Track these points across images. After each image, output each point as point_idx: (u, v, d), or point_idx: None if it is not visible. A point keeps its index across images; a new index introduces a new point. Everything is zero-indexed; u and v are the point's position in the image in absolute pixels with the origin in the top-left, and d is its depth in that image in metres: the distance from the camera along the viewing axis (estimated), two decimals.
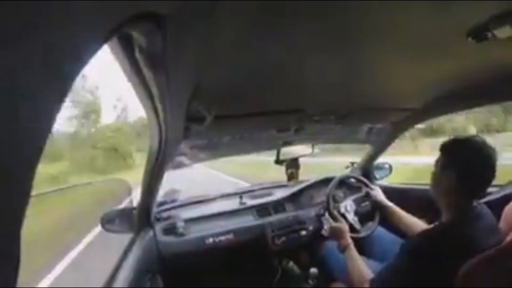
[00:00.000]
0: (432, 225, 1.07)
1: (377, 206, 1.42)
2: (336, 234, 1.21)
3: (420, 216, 1.23)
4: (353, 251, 1.10)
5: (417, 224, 1.20)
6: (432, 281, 0.73)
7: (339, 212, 1.43)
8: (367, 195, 1.48)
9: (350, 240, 1.14)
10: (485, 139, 0.81)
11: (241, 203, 1.59)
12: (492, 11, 0.49)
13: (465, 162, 0.79)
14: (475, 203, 0.83)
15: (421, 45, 0.62)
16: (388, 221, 1.33)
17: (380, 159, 1.77)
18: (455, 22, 0.53)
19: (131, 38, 0.35)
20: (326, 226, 1.33)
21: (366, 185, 1.51)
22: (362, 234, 1.36)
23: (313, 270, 1.44)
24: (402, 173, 3.20)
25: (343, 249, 1.12)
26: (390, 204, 1.34)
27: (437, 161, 0.87)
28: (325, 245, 1.41)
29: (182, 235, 1.37)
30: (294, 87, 0.82)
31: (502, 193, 1.19)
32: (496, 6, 0.48)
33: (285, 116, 1.06)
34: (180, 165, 1.60)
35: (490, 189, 1.20)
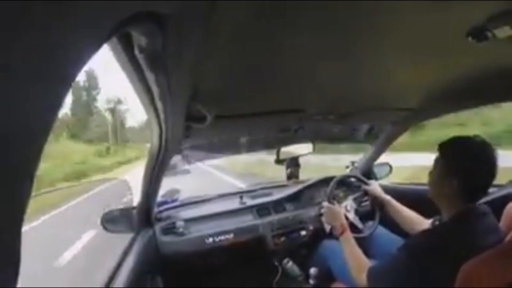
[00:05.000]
0: (431, 220, 1.08)
1: (375, 200, 1.42)
2: (332, 216, 1.21)
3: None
4: (350, 236, 1.09)
5: (415, 218, 1.20)
6: (431, 280, 0.73)
7: None
8: (366, 193, 1.48)
9: (346, 225, 1.14)
10: (484, 139, 0.81)
11: (241, 203, 1.59)
12: (492, 11, 0.49)
13: (468, 167, 0.78)
14: (476, 204, 0.82)
15: (420, 45, 0.62)
16: (386, 214, 1.33)
17: None
18: (454, 22, 0.53)
19: (131, 38, 0.35)
20: (323, 209, 1.33)
21: (365, 184, 1.51)
22: (363, 233, 1.36)
23: (313, 270, 1.44)
24: None
25: (341, 232, 1.11)
26: (388, 197, 1.34)
27: (436, 162, 0.86)
28: (325, 244, 1.41)
29: (182, 235, 1.37)
30: (294, 87, 0.82)
31: (501, 193, 1.19)
32: (496, 6, 0.48)
33: (285, 116, 1.06)
34: (179, 165, 1.60)
35: (489, 189, 1.21)
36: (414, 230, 1.15)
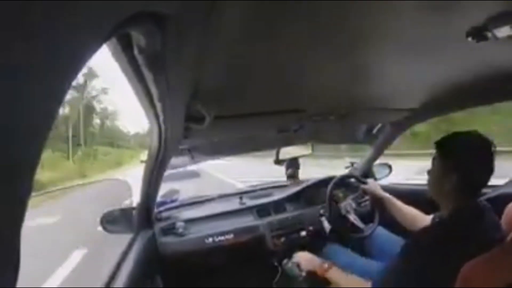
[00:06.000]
0: (431, 216, 1.08)
1: (375, 199, 1.41)
2: (308, 263, 1.12)
3: None
4: (337, 270, 1.00)
5: (415, 214, 1.20)
6: (432, 279, 0.73)
7: (340, 213, 1.44)
8: (365, 192, 1.48)
9: (326, 263, 1.04)
10: (481, 133, 0.80)
11: (241, 203, 1.59)
12: (492, 11, 0.50)
13: (467, 162, 0.78)
14: (477, 200, 0.82)
15: (420, 45, 0.62)
16: (386, 213, 1.33)
17: None
18: (454, 22, 0.53)
19: (130, 38, 0.35)
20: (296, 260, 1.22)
21: (363, 183, 1.50)
22: (364, 233, 1.36)
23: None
24: None
25: (326, 270, 1.01)
26: (387, 195, 1.33)
27: (435, 159, 0.85)
28: (327, 249, 1.41)
29: (182, 235, 1.37)
30: (294, 87, 0.82)
31: (501, 193, 1.19)
32: (496, 6, 0.48)
33: (285, 116, 1.06)
34: (179, 165, 1.60)
35: (487, 190, 1.21)
36: (415, 226, 1.15)
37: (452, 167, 0.79)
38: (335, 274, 0.99)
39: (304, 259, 1.16)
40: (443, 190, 0.82)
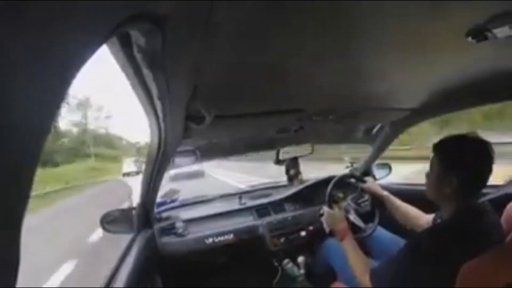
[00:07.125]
0: (432, 215, 1.08)
1: (374, 198, 1.41)
2: (333, 220, 1.20)
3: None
4: (352, 240, 1.08)
5: (415, 213, 1.20)
6: (433, 280, 0.73)
7: None
8: (363, 191, 1.47)
9: (348, 229, 1.13)
10: (478, 135, 0.80)
11: (241, 204, 1.59)
12: (492, 11, 0.50)
13: (466, 163, 0.78)
14: (477, 201, 0.82)
15: (420, 45, 0.62)
16: (387, 213, 1.33)
17: None
18: (454, 22, 0.53)
19: (130, 38, 0.35)
20: (323, 211, 1.31)
21: (363, 182, 1.50)
22: (365, 233, 1.36)
23: (301, 258, 1.49)
24: None
25: (342, 237, 1.10)
26: (386, 193, 1.34)
27: (433, 162, 0.85)
28: (326, 244, 1.41)
29: (181, 235, 1.37)
30: (294, 87, 0.82)
31: (501, 193, 1.19)
32: (496, 6, 0.48)
33: (285, 116, 1.06)
34: (179, 165, 1.60)
35: (487, 190, 1.21)
36: (414, 225, 1.16)
37: (452, 169, 0.79)
38: (347, 244, 1.07)
39: (330, 216, 1.24)
40: (444, 193, 0.82)
